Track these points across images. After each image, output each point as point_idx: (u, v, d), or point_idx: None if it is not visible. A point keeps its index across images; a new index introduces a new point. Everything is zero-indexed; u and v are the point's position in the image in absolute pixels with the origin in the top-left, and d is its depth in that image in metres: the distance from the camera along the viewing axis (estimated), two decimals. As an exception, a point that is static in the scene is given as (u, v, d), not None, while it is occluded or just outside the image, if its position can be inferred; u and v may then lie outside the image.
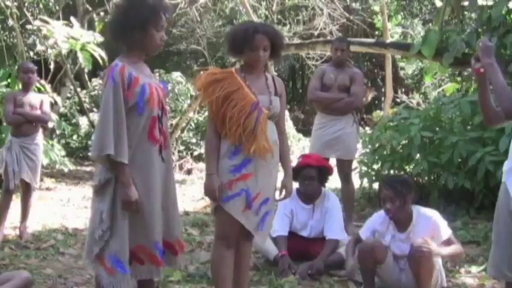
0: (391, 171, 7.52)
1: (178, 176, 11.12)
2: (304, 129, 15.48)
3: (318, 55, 14.62)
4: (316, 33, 14.68)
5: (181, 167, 11.84)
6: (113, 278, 3.45)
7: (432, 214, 4.60)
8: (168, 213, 3.63)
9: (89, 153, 3.94)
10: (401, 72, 20.86)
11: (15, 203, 6.62)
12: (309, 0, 14.87)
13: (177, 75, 13.88)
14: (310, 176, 5.38)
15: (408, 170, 7.74)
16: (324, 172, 5.46)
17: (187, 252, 5.63)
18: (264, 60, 3.93)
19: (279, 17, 15.91)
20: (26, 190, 6.35)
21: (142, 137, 3.49)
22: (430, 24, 16.32)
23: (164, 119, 3.64)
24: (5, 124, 7.84)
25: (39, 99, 6.38)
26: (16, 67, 8.73)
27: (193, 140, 13.43)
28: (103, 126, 3.39)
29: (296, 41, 13.04)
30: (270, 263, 5.23)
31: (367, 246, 4.48)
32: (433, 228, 4.46)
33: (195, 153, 13.16)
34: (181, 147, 13.07)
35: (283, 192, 4.05)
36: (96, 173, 3.59)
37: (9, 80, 9.20)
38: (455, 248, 4.50)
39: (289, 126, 14.86)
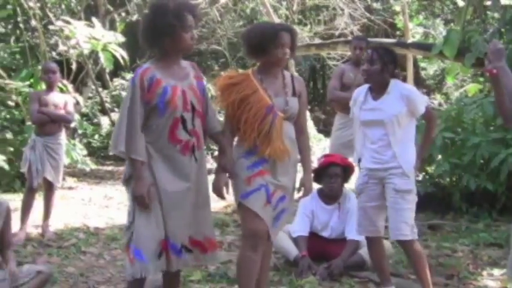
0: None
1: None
2: (325, 129, 15.41)
3: (338, 55, 14.59)
4: (336, 33, 14.64)
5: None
6: (132, 268, 3.58)
7: (409, 87, 4.56)
8: (198, 212, 3.76)
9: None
10: (423, 73, 20.73)
11: (38, 201, 6.68)
12: (330, 0, 14.84)
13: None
14: (335, 174, 5.37)
15: (430, 171, 7.70)
16: (347, 171, 5.45)
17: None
18: (288, 58, 3.97)
19: (300, 17, 15.89)
20: (49, 189, 6.40)
21: (164, 137, 3.63)
22: (452, 24, 16.17)
23: (196, 121, 3.72)
24: (28, 123, 7.94)
25: (63, 99, 6.43)
26: (39, 67, 8.82)
27: (214, 140, 13.46)
28: (118, 124, 3.66)
29: (317, 41, 13.03)
30: (290, 263, 5.21)
31: None
32: (408, 101, 4.30)
33: (216, 153, 13.17)
34: (202, 147, 13.07)
35: (302, 191, 4.05)
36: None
37: (32, 80, 9.29)
38: (429, 134, 4.52)
39: (310, 126, 14.83)
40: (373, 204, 4.39)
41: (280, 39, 3.84)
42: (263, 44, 3.86)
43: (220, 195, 3.91)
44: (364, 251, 4.98)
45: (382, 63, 4.32)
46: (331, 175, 5.37)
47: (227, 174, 3.91)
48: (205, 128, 3.85)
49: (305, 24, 15.22)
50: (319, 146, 14.41)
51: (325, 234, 5.42)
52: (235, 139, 4.02)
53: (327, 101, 9.99)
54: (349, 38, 12.92)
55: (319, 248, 5.30)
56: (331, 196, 5.45)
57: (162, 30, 3.61)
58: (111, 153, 3.84)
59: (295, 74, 12.64)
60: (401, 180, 4.27)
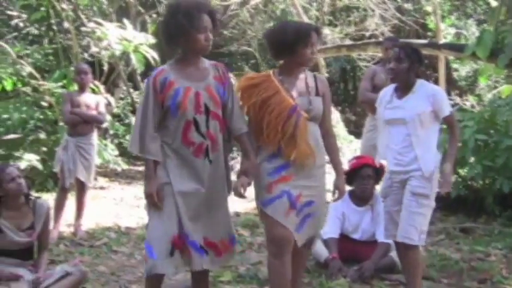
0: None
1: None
2: (356, 131, 15.32)
3: (369, 56, 14.51)
4: (367, 34, 14.56)
5: (232, 168, 11.85)
6: (146, 266, 3.69)
7: (436, 87, 4.51)
8: (213, 214, 3.77)
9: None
10: (455, 74, 20.48)
11: (71, 201, 6.75)
12: (361, 1, 14.76)
13: (228, 76, 13.92)
14: (367, 176, 5.36)
15: (462, 173, 7.61)
16: (379, 173, 5.42)
17: (238, 252, 5.67)
18: (315, 58, 3.95)
19: (330, 18, 15.84)
20: (81, 189, 6.47)
21: (178, 138, 3.68)
22: (485, 25, 16.01)
23: (212, 123, 3.71)
24: (61, 124, 8.03)
25: (95, 99, 6.50)
26: (71, 68, 8.92)
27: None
28: (134, 125, 3.81)
29: (347, 42, 12.97)
30: (321, 265, 5.20)
31: None
32: (434, 101, 4.26)
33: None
34: (234, 148, 13.11)
35: (336, 194, 4.00)
36: None
37: (65, 81, 9.39)
38: (455, 140, 4.46)
39: (340, 127, 14.79)
40: (398, 208, 4.34)
41: (311, 39, 3.80)
42: (294, 43, 3.78)
43: (241, 197, 3.84)
44: (395, 254, 4.94)
45: (410, 62, 4.31)
46: (363, 177, 5.35)
47: (249, 177, 3.82)
48: (230, 130, 3.85)
49: (335, 26, 15.17)
50: (350, 148, 14.33)
51: (356, 236, 5.40)
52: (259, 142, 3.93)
53: (357, 102, 9.93)
54: (380, 39, 12.85)
55: (350, 250, 5.28)
56: (362, 198, 5.42)
57: (175, 31, 3.64)
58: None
59: (326, 75, 12.62)
60: (419, 183, 4.22)
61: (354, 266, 5.06)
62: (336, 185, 3.98)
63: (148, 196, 3.65)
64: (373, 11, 14.46)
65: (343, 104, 20.12)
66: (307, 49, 3.81)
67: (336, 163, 4.00)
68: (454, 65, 19.68)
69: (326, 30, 13.53)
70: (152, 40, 8.73)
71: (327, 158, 3.99)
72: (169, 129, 3.68)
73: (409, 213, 4.23)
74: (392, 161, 4.34)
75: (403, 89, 4.37)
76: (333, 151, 4.00)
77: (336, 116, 15.19)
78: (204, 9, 3.70)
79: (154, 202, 3.62)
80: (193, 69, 3.74)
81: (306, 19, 12.56)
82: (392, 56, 4.38)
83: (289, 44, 3.81)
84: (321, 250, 5.22)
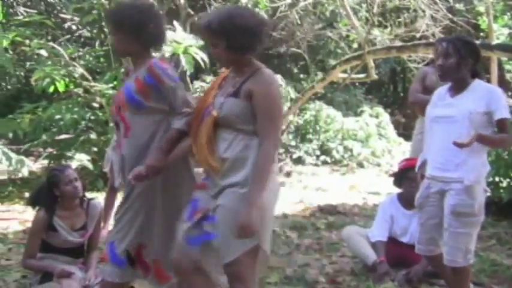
0: (496, 178, 7.25)
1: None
2: (406, 133, 15.17)
3: (419, 58, 14.31)
4: (418, 35, 14.36)
5: (280, 170, 11.86)
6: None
7: (494, 88, 4.16)
8: None
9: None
10: (508, 76, 20.09)
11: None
12: (411, 1, 14.57)
13: (277, 78, 13.92)
14: (416, 178, 5.27)
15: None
16: None
17: (284, 254, 5.66)
18: None
19: (380, 19, 15.69)
20: (130, 189, 6.52)
21: None
22: (540, 25, 15.67)
23: (121, 125, 3.58)
24: (111, 124, 8.13)
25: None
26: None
27: (293, 143, 13.49)
28: None
29: (397, 43, 12.82)
30: (368, 268, 5.15)
31: None
32: (489, 100, 3.86)
33: (294, 156, 13.20)
34: (281, 150, 13.13)
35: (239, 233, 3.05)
36: None
37: (115, 83, 9.52)
38: (503, 136, 3.94)
39: (390, 130, 14.66)
40: (434, 221, 4.07)
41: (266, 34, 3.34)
42: (260, 38, 3.27)
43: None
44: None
45: (459, 57, 3.93)
46: (411, 179, 5.27)
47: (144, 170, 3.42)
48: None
49: (385, 27, 15.00)
50: (399, 150, 14.22)
51: (404, 239, 5.32)
52: None
53: (407, 104, 9.81)
54: (431, 40, 12.67)
55: (398, 253, 5.20)
56: (411, 201, 5.34)
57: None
58: None
59: (375, 77, 12.49)
60: (460, 200, 3.84)
61: (402, 270, 4.99)
62: (238, 220, 3.02)
63: None
64: (423, 11, 14.25)
65: (393, 106, 19.92)
66: (262, 45, 3.33)
67: (251, 186, 3.08)
68: (507, 67, 19.27)
69: (376, 32, 13.40)
70: (202, 42, 8.76)
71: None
72: None
73: (452, 233, 3.92)
74: (432, 164, 4.03)
75: (457, 87, 4.01)
76: (255, 170, 3.09)
77: (385, 118, 15.08)
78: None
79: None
80: (137, 69, 3.64)
81: (355, 20, 12.46)
82: (440, 51, 4.02)
83: (260, 39, 3.32)
84: (368, 253, 5.17)
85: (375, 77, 12.64)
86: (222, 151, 3.15)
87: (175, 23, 9.18)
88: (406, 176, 5.24)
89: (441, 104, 4.05)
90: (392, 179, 5.56)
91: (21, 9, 13.00)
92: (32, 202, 4.72)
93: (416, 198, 4.21)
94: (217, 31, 3.15)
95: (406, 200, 5.30)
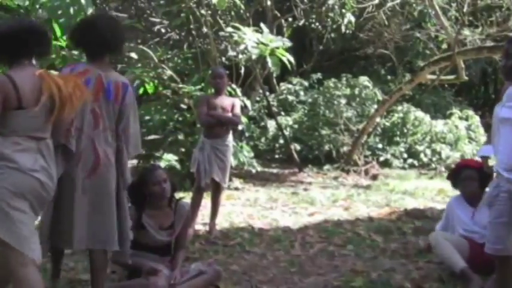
0: None
1: (363, 181, 11.05)
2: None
3: (513, 58, 13.83)
4: (511, 34, 13.88)
5: (366, 172, 11.72)
6: None
7: None
8: None
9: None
10: None
11: (207, 201, 6.92)
12: (503, 0, 14.10)
13: (364, 79, 13.79)
14: (469, 177, 5.26)
15: None
16: (485, 175, 5.17)
17: (369, 258, 5.59)
18: None
19: (470, 18, 15.25)
20: (216, 189, 6.60)
21: None
22: None
23: None
24: (198, 125, 8.26)
25: (231, 102, 6.59)
26: (209, 72, 9.16)
27: (380, 146, 13.31)
28: (137, 130, 4.28)
29: (488, 43, 12.43)
30: (456, 275, 4.98)
31: None
32: None
33: (381, 158, 13.02)
34: (368, 152, 12.98)
35: None
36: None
37: (203, 84, 9.66)
38: None
39: (480, 133, 14.24)
40: (503, 220, 3.98)
41: None
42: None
43: None
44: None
45: None
46: (463, 178, 5.30)
47: None
48: None
49: (476, 26, 14.57)
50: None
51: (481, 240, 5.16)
52: None
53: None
54: (526, 39, 12.21)
55: (482, 255, 5.01)
56: (470, 200, 5.29)
57: None
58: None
59: (466, 78, 12.16)
60: None
61: (491, 277, 4.80)
62: None
63: None
64: (517, 10, 13.78)
65: (484, 108, 19.32)
66: None
67: None
68: None
69: (466, 32, 13.04)
70: (288, 44, 8.77)
71: None
72: None
73: None
74: (500, 165, 3.95)
75: None
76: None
77: (475, 120, 14.65)
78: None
79: None
80: None
81: (444, 20, 12.17)
82: (503, 52, 3.90)
83: None
84: (456, 259, 4.98)
85: (465, 78, 12.30)
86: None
87: (262, 25, 9.22)
88: (460, 177, 5.31)
89: (508, 105, 3.93)
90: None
91: (113, 13, 13.39)
92: None
93: (486, 196, 4.22)
94: None
95: (467, 201, 5.32)
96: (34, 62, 3.58)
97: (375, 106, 13.06)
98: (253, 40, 8.70)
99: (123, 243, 4.14)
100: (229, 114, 6.49)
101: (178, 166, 9.18)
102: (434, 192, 9.56)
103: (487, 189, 4.92)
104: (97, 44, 4.06)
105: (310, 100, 13.75)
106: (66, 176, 3.88)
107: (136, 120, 4.20)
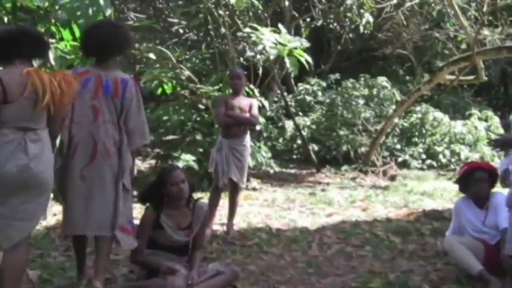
0: None
1: (381, 182, 11.02)
2: (518, 137, 14.58)
3: (533, 58, 13.72)
4: (531, 35, 13.77)
5: (385, 173, 11.67)
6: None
7: None
8: None
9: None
10: None
11: (224, 201, 6.93)
12: (525, -1, 13.99)
13: (382, 80, 13.75)
14: (481, 179, 5.22)
15: None
16: (494, 176, 5.26)
17: (387, 259, 5.57)
18: None
19: (490, 18, 15.14)
20: (234, 189, 6.61)
21: None
22: None
23: None
24: (216, 126, 8.28)
25: (249, 102, 6.60)
26: (227, 72, 9.18)
27: (398, 146, 13.25)
28: (143, 120, 4.52)
29: (508, 43, 12.33)
30: (473, 277, 4.94)
31: None
32: None
33: (399, 159, 12.97)
34: (386, 153, 12.93)
35: None
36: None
37: (221, 85, 9.67)
38: None
39: (500, 133, 14.13)
40: None
41: None
42: None
43: None
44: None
45: None
46: (476, 180, 5.25)
47: None
48: None
49: (496, 26, 14.46)
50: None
51: (492, 241, 5.14)
52: None
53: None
54: (546, 40, 12.12)
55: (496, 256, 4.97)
56: (478, 202, 5.27)
57: None
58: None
59: (485, 78, 12.07)
60: None
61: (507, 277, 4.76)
62: None
63: None
64: (538, 10, 13.66)
65: (503, 109, 19.17)
66: None
67: None
68: None
69: (485, 32, 12.94)
70: (306, 44, 8.76)
71: None
72: None
73: None
74: None
75: None
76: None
77: (495, 121, 14.55)
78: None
79: None
80: None
81: (463, 20, 12.09)
82: None
83: None
84: (472, 262, 4.93)
85: (485, 78, 12.22)
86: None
87: (280, 25, 9.22)
88: (473, 178, 5.25)
89: None
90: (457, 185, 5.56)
91: (132, 14, 13.46)
92: (141, 199, 4.90)
93: (507, 196, 4.27)
94: None
95: (475, 202, 5.29)
96: (34, 63, 3.95)
97: (393, 107, 13.01)
98: (271, 40, 8.71)
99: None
100: (247, 115, 6.49)
101: (196, 166, 9.21)
102: (452, 194, 9.49)
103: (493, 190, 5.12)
104: (97, 50, 4.43)
105: (328, 100, 13.72)
106: (65, 166, 4.30)
107: (141, 113, 4.46)
